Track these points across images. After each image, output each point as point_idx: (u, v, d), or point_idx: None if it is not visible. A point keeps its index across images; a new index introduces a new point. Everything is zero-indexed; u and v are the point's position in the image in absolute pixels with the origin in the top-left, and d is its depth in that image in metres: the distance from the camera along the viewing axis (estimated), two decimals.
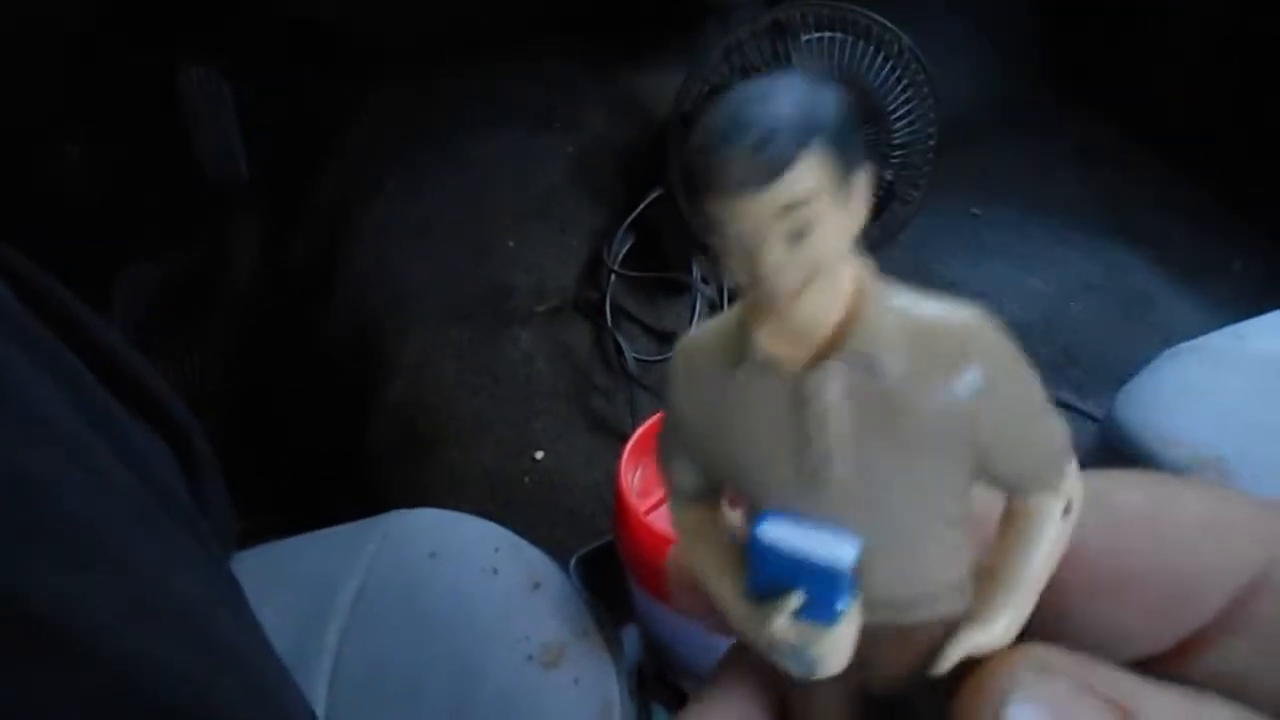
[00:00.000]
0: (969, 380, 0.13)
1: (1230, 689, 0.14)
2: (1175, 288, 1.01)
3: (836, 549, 0.13)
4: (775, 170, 0.12)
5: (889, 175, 0.85)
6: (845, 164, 0.12)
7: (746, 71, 0.83)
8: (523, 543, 0.51)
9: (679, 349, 0.14)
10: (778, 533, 0.13)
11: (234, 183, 1.11)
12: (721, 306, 0.86)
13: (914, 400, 0.13)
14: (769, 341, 0.13)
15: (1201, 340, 0.59)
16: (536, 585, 0.48)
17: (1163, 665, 0.15)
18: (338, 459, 0.89)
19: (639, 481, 0.49)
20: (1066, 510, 0.14)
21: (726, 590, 0.14)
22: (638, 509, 0.46)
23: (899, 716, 0.15)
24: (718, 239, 0.12)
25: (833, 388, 0.13)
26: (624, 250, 0.89)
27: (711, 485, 0.15)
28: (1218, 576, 0.15)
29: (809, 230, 0.12)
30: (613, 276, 0.87)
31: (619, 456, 0.78)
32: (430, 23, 1.10)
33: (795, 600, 0.13)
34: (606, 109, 1.02)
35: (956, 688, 0.14)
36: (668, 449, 0.15)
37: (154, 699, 0.29)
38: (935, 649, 0.14)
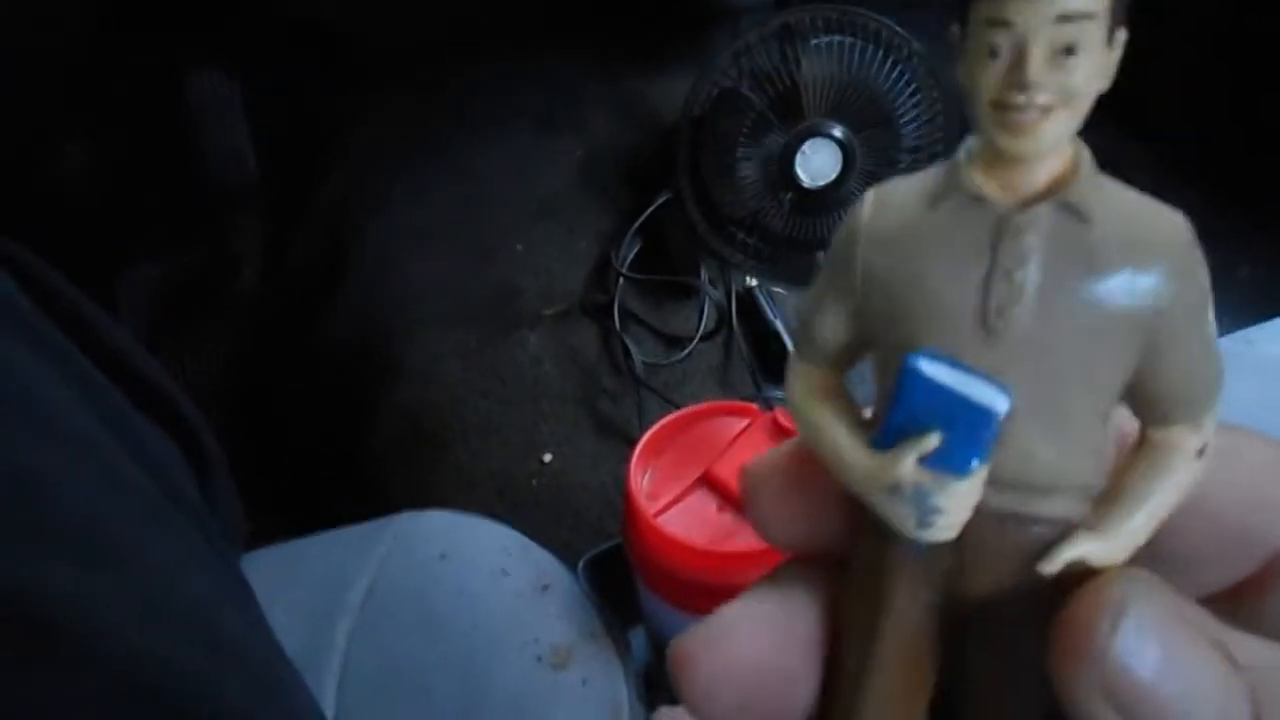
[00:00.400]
0: (1166, 273, 0.13)
1: None
2: None
3: (991, 394, 0.13)
4: None
5: None
6: (1121, 6, 0.12)
7: (755, 76, 0.83)
8: (532, 545, 0.51)
9: (871, 192, 0.14)
10: (934, 368, 0.13)
11: (240, 184, 1.12)
12: (730, 311, 0.86)
13: (1115, 267, 0.13)
14: (983, 176, 0.13)
15: None
16: (546, 587, 0.48)
17: (1228, 600, 0.15)
18: (343, 460, 0.89)
19: (648, 484, 0.49)
20: (1201, 451, 0.14)
21: (845, 444, 0.14)
22: (647, 511, 0.46)
23: (985, 626, 0.14)
24: (980, 47, 0.12)
25: (1041, 227, 0.13)
26: (632, 254, 0.89)
27: (853, 343, 0.15)
28: None
29: (1077, 49, 0.12)
30: (621, 280, 0.87)
31: (626, 459, 0.78)
32: (437, 25, 1.10)
33: (933, 440, 0.13)
34: (614, 112, 1.03)
35: (1045, 606, 0.14)
36: (820, 297, 0.15)
37: (161, 698, 0.29)
38: (1039, 554, 0.14)
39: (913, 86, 0.82)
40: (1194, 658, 0.13)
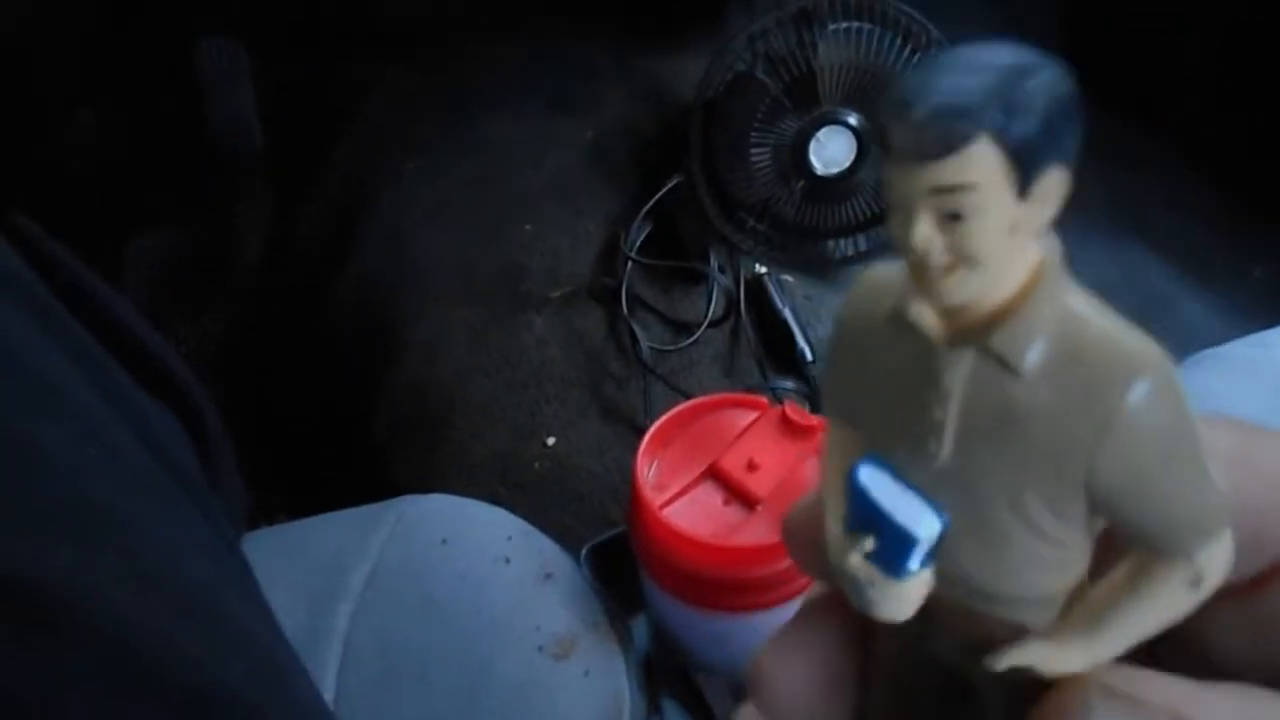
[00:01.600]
0: (1103, 409, 0.12)
1: None
2: (1193, 292, 1.00)
3: (919, 518, 0.13)
4: (937, 150, 0.11)
5: None
6: (1030, 159, 0.11)
7: (770, 60, 0.82)
8: (535, 531, 0.51)
9: (864, 275, 0.14)
10: (873, 480, 0.13)
11: (248, 154, 1.11)
12: (739, 298, 0.85)
13: (1035, 414, 0.12)
14: (920, 307, 0.13)
15: (1226, 348, 0.59)
16: (548, 575, 0.48)
17: (1236, 596, 0.15)
18: (345, 436, 0.89)
19: (654, 475, 0.48)
20: (1195, 584, 0.13)
21: (833, 512, 0.14)
22: (653, 503, 0.46)
23: (960, 691, 0.15)
24: (890, 204, 0.12)
25: (960, 374, 0.13)
26: (641, 237, 0.88)
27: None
28: None
29: (966, 216, 0.11)
30: (629, 264, 0.86)
31: (631, 446, 0.78)
32: (449, 1, 1.09)
33: (868, 544, 0.13)
34: (627, 93, 1.01)
35: (1017, 687, 0.14)
36: (829, 362, 0.15)
37: (160, 678, 0.29)
38: (1001, 642, 0.14)
39: None
40: None
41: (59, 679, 0.28)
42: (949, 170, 0.11)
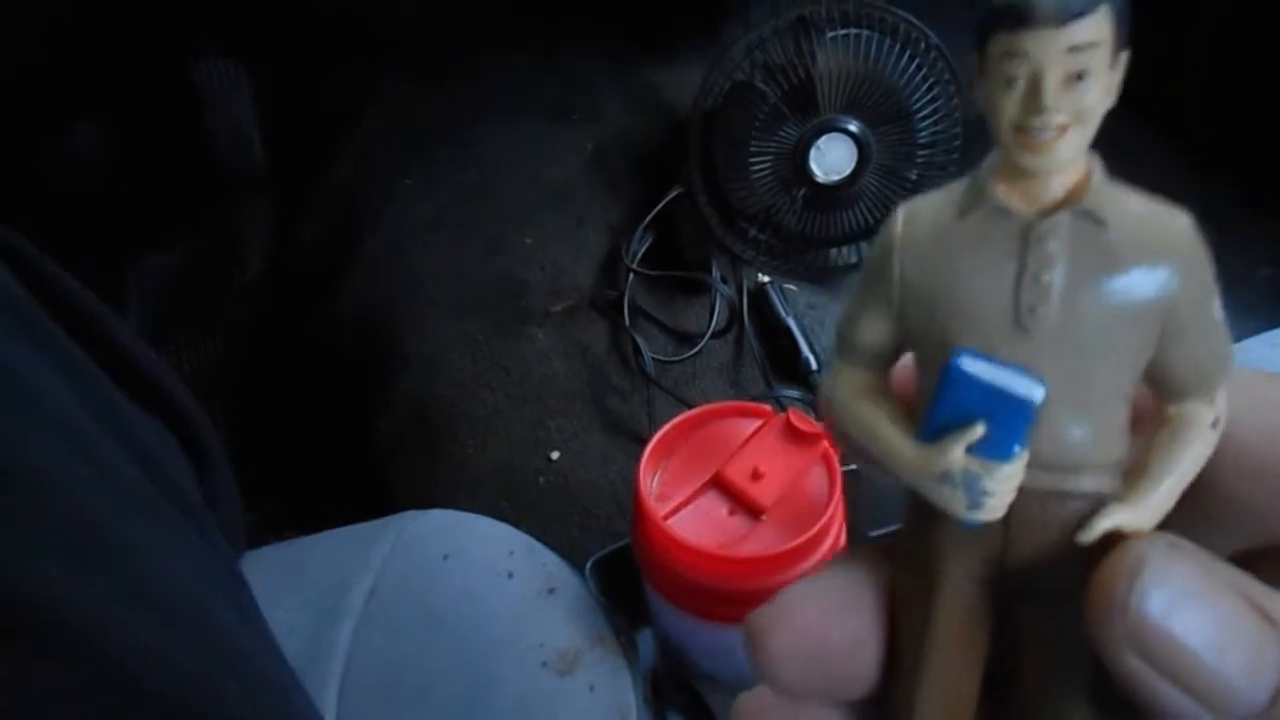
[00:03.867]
0: (1176, 267, 0.14)
1: None
2: None
3: (1028, 385, 0.14)
4: (1076, 13, 0.14)
5: (913, 175, 0.83)
6: (1123, 30, 0.14)
7: (769, 69, 0.81)
8: (538, 546, 0.51)
9: (901, 209, 0.16)
10: (975, 365, 0.15)
11: (248, 170, 1.11)
12: (741, 307, 0.85)
13: (1130, 265, 0.14)
14: (1006, 189, 0.15)
15: (1235, 347, 0.58)
16: (551, 590, 0.47)
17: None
18: (347, 451, 0.88)
19: (658, 485, 0.48)
20: (1215, 424, 0.15)
21: (895, 439, 0.15)
22: (656, 514, 0.45)
23: (1012, 618, 0.16)
24: (999, 76, 0.14)
25: (1063, 233, 0.14)
26: (643, 248, 0.88)
27: (892, 346, 0.16)
28: None
29: (1086, 75, 0.14)
30: (631, 275, 0.86)
31: (635, 458, 0.77)
32: (447, 13, 1.09)
33: (978, 430, 0.14)
34: (626, 103, 1.01)
35: (1085, 573, 0.15)
36: (859, 305, 0.16)
37: (152, 695, 0.29)
38: (1077, 527, 0.15)
39: (929, 81, 0.81)
40: (1217, 608, 0.14)
41: (49, 696, 0.27)
42: (1086, 29, 0.14)
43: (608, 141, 0.99)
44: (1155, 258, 0.14)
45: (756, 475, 0.46)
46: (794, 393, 0.81)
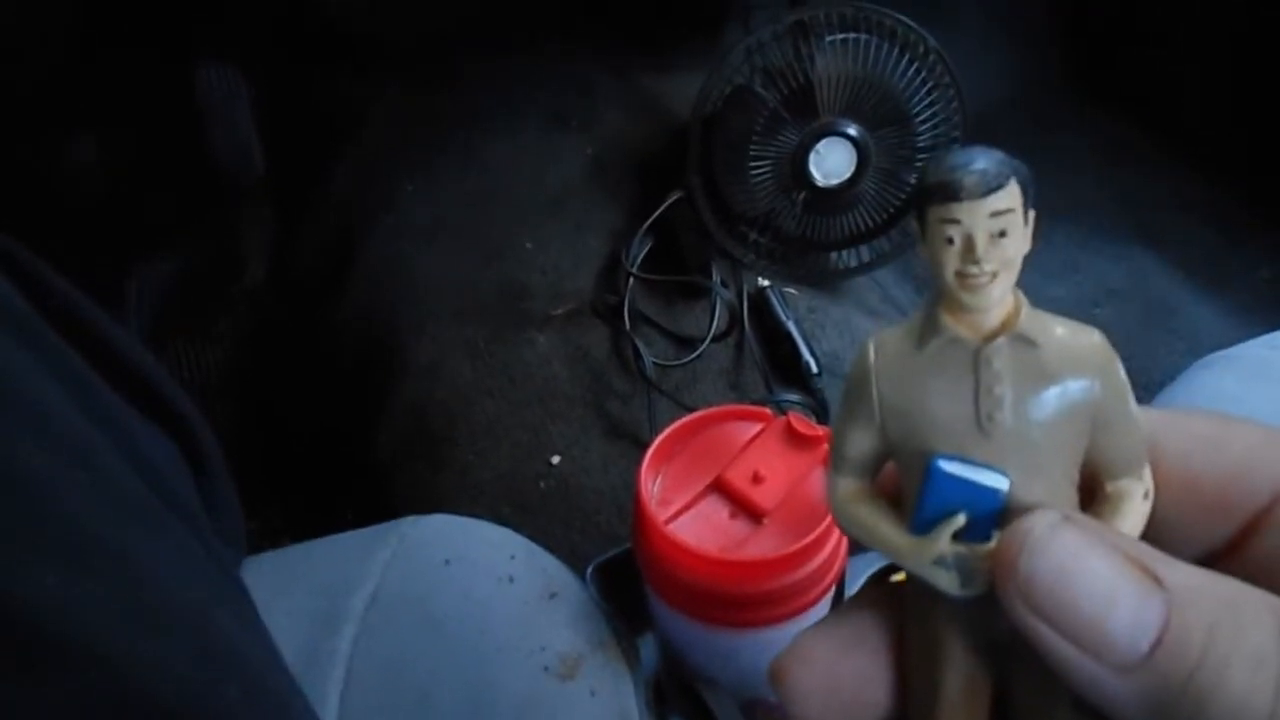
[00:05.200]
0: (1095, 375, 0.18)
1: (1271, 585, 0.16)
2: (1200, 295, 1.00)
3: (995, 478, 0.18)
4: (992, 186, 0.17)
5: (913, 178, 0.83)
6: (1029, 196, 0.18)
7: (768, 73, 0.81)
8: (539, 550, 0.50)
9: (871, 340, 0.19)
10: (950, 466, 0.18)
11: (249, 178, 1.11)
12: (741, 311, 0.85)
13: (1059, 375, 0.18)
14: (954, 322, 0.18)
15: (1236, 349, 0.58)
16: (553, 595, 0.47)
17: (1219, 561, 0.18)
18: (348, 458, 0.88)
19: (659, 490, 0.48)
20: (1146, 495, 0.18)
21: (890, 535, 0.19)
22: (657, 519, 0.45)
23: (1005, 663, 0.18)
24: (939, 237, 0.17)
25: (1004, 354, 0.18)
26: (643, 253, 0.88)
27: (877, 456, 0.19)
28: (1265, 479, 0.18)
29: (1006, 232, 0.17)
30: (631, 279, 0.86)
31: (636, 463, 0.77)
32: (447, 20, 1.09)
33: (960, 520, 0.18)
34: (626, 109, 1.01)
35: None
36: (846, 423, 0.19)
37: (151, 704, 0.28)
38: None
39: (929, 84, 0.81)
40: (1099, 568, 0.16)
41: (47, 706, 0.27)
42: (1001, 199, 0.17)
43: (607, 147, 0.99)
44: (1079, 369, 0.18)
45: (757, 479, 0.46)
46: (794, 396, 0.81)
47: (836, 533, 0.46)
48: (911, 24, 0.79)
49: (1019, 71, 1.19)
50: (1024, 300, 0.18)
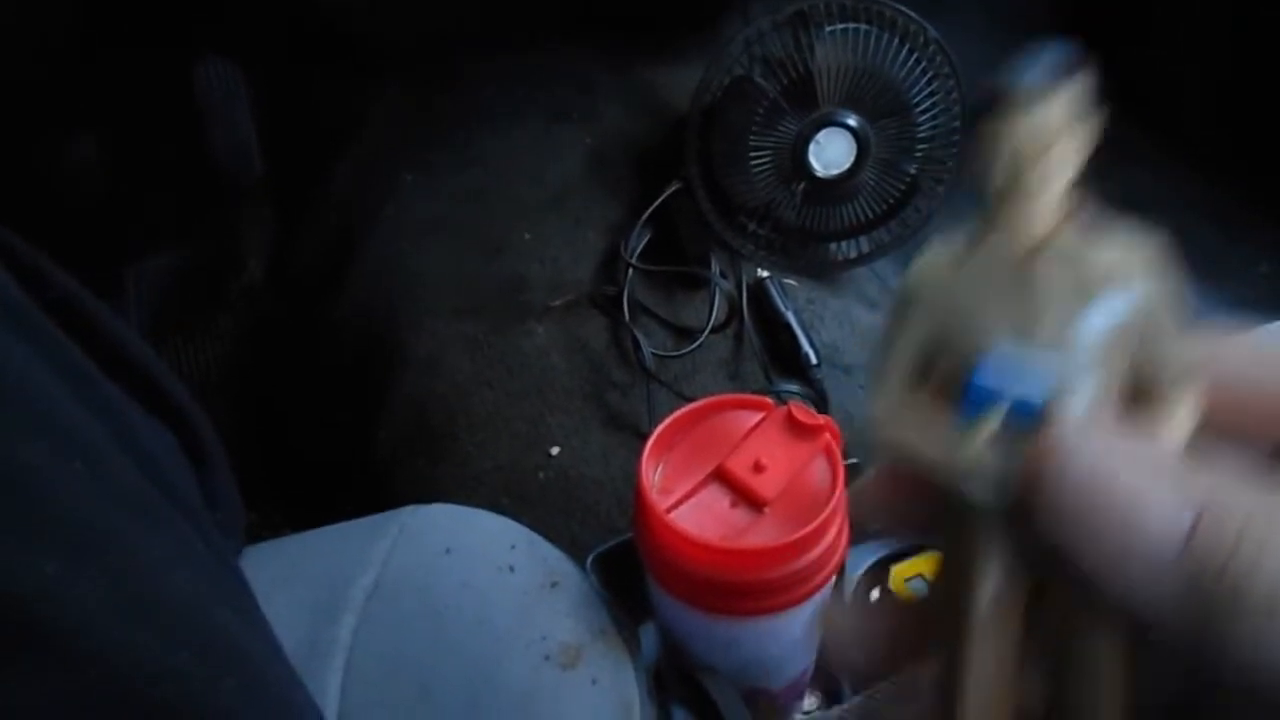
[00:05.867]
0: (1141, 286, 0.18)
1: None
2: (1199, 288, 0.99)
3: (1038, 380, 0.18)
4: (1041, 101, 0.19)
5: (913, 169, 0.83)
6: (1081, 113, 0.19)
7: (768, 63, 0.81)
8: (539, 540, 0.50)
9: (923, 259, 0.20)
10: (992, 374, 0.18)
11: (248, 175, 1.11)
12: (741, 302, 0.85)
13: (1108, 287, 0.18)
14: (1004, 233, 0.19)
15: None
16: (554, 584, 0.47)
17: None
18: (347, 451, 0.88)
19: (660, 479, 0.48)
20: (1191, 408, 0.18)
21: (933, 437, 0.19)
22: (659, 507, 0.45)
23: (1038, 581, 0.18)
24: (990, 153, 0.19)
25: (1054, 264, 0.18)
26: (641, 244, 0.87)
27: (925, 366, 0.19)
28: None
29: (1057, 145, 0.19)
30: (630, 270, 0.85)
31: (635, 453, 0.77)
32: (446, 19, 1.09)
33: (997, 424, 0.18)
34: (624, 101, 1.01)
35: None
36: (895, 333, 0.20)
37: (149, 699, 0.28)
38: None
39: (929, 75, 0.81)
40: (1134, 470, 0.16)
41: (44, 701, 0.27)
42: (1048, 114, 0.19)
43: (606, 139, 0.99)
44: (1127, 279, 0.18)
45: (758, 468, 0.46)
46: (794, 387, 0.81)
47: (838, 521, 0.46)
48: (912, 14, 0.79)
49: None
50: (1075, 211, 0.19)
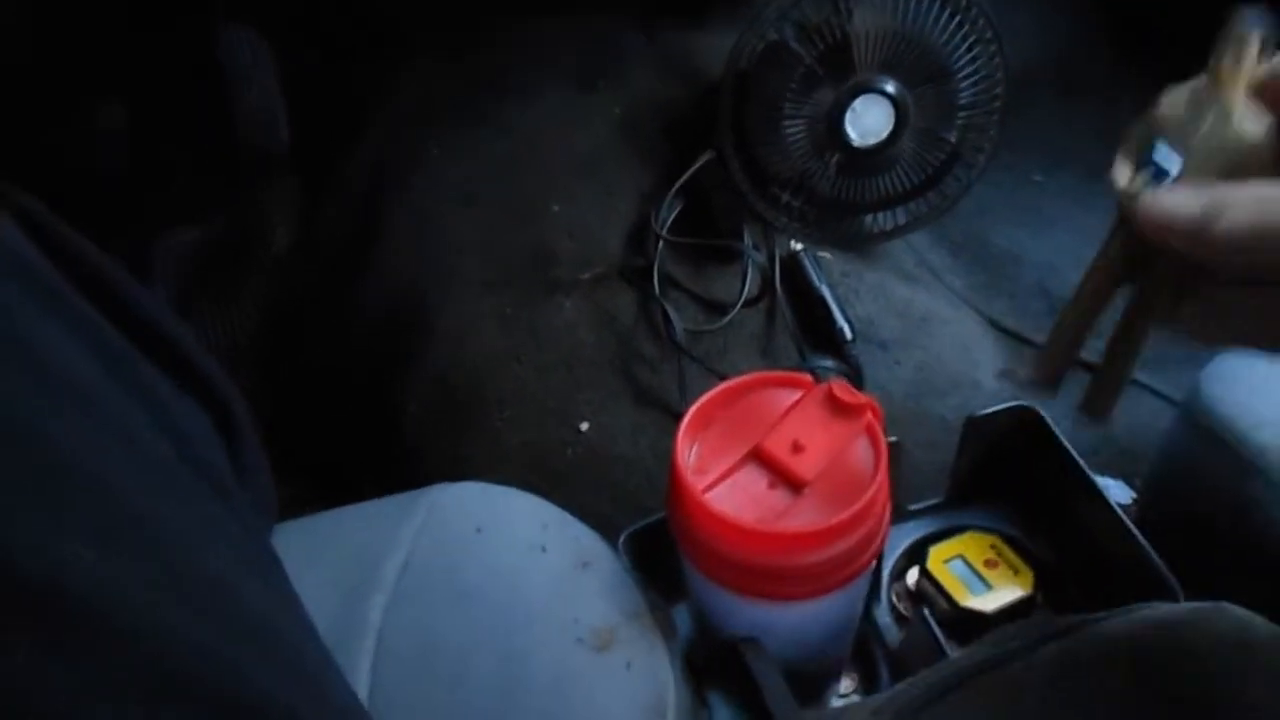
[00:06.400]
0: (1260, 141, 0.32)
1: None
2: None
3: (1175, 163, 0.32)
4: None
5: (952, 136, 0.81)
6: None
7: (803, 28, 0.79)
8: (571, 519, 0.49)
9: (1167, 92, 0.34)
10: (1158, 153, 0.32)
11: (275, 144, 1.10)
12: (774, 275, 0.83)
13: (1238, 134, 0.31)
14: (1210, 89, 0.32)
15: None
16: (585, 564, 0.46)
17: None
18: (377, 427, 0.88)
19: (695, 458, 0.46)
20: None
21: (1125, 179, 0.33)
22: (695, 488, 0.44)
23: (1140, 270, 0.35)
24: (1225, 55, 0.31)
25: (1219, 109, 0.32)
26: (672, 216, 0.86)
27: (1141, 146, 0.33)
28: None
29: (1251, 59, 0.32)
30: (660, 243, 0.84)
31: (665, 430, 0.76)
32: None
33: (1147, 177, 0.32)
34: (655, 68, 0.99)
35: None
36: (1135, 127, 0.34)
37: (183, 679, 0.27)
38: None
39: (970, 39, 0.78)
40: (1179, 200, 0.31)
41: (88, 689, 0.26)
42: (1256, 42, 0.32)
43: (637, 108, 0.97)
44: (1252, 135, 0.31)
45: (797, 448, 0.45)
46: (828, 363, 0.79)
47: (880, 504, 0.45)
48: None
49: (1062, 28, 1.15)
50: (1248, 92, 0.31)
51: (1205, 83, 0.31)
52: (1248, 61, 0.31)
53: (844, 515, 0.42)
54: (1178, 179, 0.31)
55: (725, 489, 0.45)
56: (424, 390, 0.84)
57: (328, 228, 1.02)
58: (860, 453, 0.45)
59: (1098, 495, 0.59)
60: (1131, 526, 0.57)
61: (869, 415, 0.46)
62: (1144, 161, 0.32)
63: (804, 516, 0.43)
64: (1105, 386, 0.37)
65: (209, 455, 0.39)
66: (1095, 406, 0.37)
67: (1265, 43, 0.31)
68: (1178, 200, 0.30)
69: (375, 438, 0.88)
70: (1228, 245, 0.28)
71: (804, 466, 0.44)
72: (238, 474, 0.42)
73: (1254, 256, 0.28)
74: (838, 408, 0.46)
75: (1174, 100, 0.32)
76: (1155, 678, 0.40)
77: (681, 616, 0.56)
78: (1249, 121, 0.31)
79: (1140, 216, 0.30)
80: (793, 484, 0.45)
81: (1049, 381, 0.37)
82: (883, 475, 0.44)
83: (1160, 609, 0.44)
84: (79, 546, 0.27)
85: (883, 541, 0.46)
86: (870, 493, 0.43)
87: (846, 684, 0.60)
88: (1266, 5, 0.31)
